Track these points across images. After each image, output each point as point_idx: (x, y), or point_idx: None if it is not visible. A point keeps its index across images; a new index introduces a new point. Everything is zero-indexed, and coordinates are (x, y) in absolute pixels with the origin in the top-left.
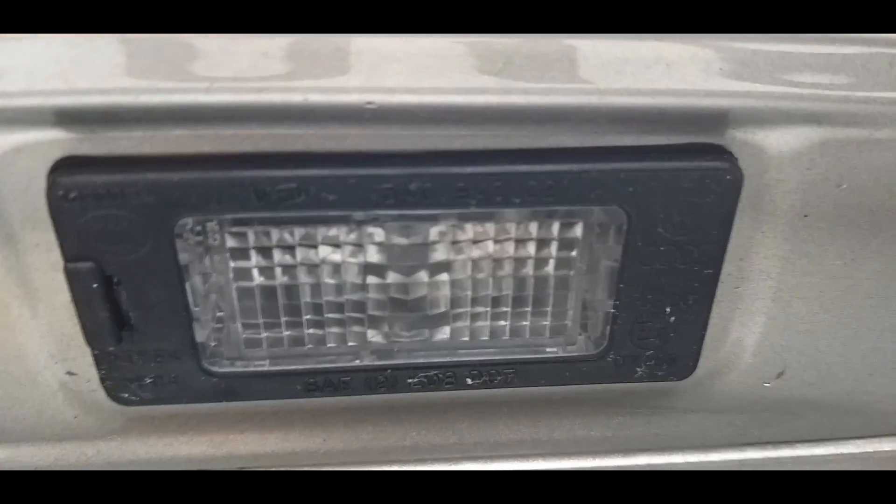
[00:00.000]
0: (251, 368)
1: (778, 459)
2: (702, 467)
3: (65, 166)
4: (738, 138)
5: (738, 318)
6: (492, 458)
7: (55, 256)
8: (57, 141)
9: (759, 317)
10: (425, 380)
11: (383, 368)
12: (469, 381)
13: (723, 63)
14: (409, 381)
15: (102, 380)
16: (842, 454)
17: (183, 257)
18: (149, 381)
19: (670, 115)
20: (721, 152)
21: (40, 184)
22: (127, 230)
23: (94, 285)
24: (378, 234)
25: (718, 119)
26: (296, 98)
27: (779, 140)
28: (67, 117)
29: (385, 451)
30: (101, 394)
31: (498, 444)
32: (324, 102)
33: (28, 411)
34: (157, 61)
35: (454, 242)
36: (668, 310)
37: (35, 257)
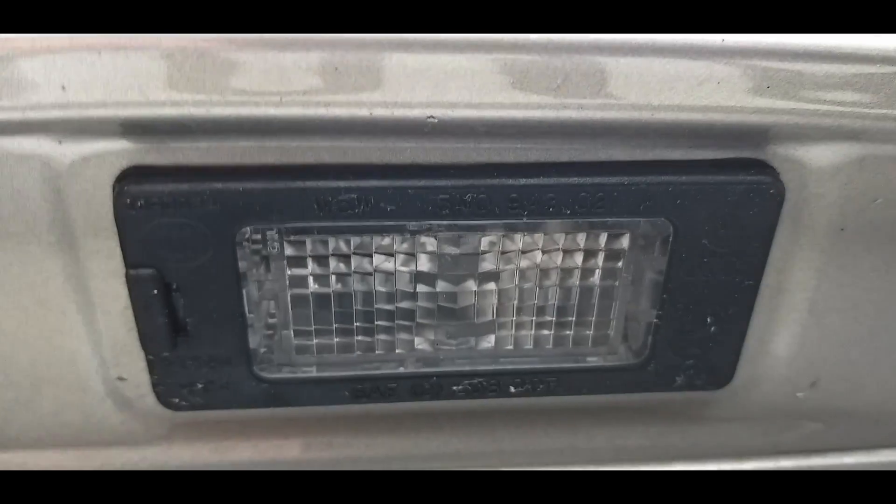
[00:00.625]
0: (300, 375)
1: (810, 468)
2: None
3: (132, 175)
4: (780, 154)
5: (775, 328)
6: (531, 464)
7: (115, 264)
8: (124, 151)
9: (794, 327)
10: (469, 387)
11: (429, 376)
12: (512, 388)
13: (769, 81)
14: (454, 388)
15: (154, 385)
16: (873, 463)
17: (241, 265)
18: (200, 386)
19: (717, 131)
20: (764, 167)
21: (106, 192)
22: (190, 238)
23: (155, 291)
24: (430, 243)
25: (762, 135)
26: (362, 113)
27: (819, 156)
28: (136, 128)
29: (427, 457)
30: (149, 399)
31: (538, 451)
32: (388, 117)
33: (76, 416)
34: (225, 73)
35: (503, 253)
36: (708, 320)
37: (95, 264)
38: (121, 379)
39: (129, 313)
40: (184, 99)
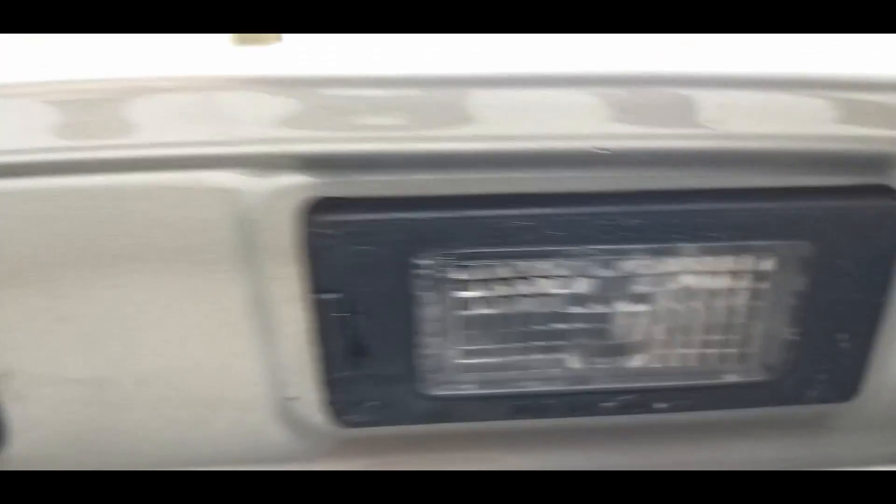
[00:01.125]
0: (464, 392)
1: None
2: None
3: (325, 206)
4: None
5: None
6: None
7: (295, 289)
8: (312, 184)
9: None
10: (619, 404)
11: (582, 393)
12: (657, 405)
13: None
14: (605, 405)
15: (331, 403)
16: None
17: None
18: (372, 404)
19: (850, 159)
20: (891, 192)
21: (290, 222)
22: (374, 264)
23: (339, 315)
24: (588, 267)
25: (887, 162)
26: (539, 146)
27: None
28: (325, 162)
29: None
30: (318, 417)
31: (681, 464)
32: (564, 148)
33: (246, 435)
34: (412, 112)
35: (656, 275)
36: (839, 336)
37: (276, 289)
38: (291, 399)
39: (305, 336)
40: (369, 136)
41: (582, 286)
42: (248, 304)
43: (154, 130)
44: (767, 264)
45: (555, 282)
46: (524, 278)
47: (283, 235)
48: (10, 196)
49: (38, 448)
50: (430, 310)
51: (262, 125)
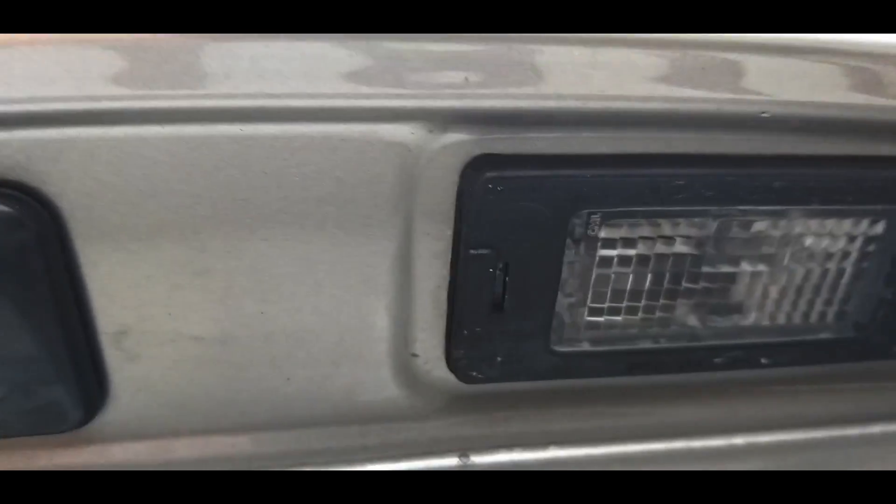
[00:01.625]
0: (587, 348)
1: None
2: None
3: (486, 162)
4: None
5: None
6: (764, 430)
7: (440, 245)
8: (478, 140)
9: None
10: (729, 360)
11: (695, 349)
12: (763, 360)
13: None
14: (715, 360)
15: (455, 360)
16: None
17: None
18: (500, 359)
19: None
20: None
21: (452, 178)
22: (532, 221)
23: (489, 270)
24: (723, 227)
25: None
26: (709, 108)
27: None
28: (492, 118)
29: (685, 425)
30: (434, 374)
31: (769, 418)
32: (733, 111)
33: (366, 393)
34: (575, 71)
35: (782, 236)
36: None
37: (423, 245)
38: (414, 355)
39: (441, 293)
40: (535, 93)
41: (714, 246)
42: (391, 260)
43: (329, 81)
44: (879, 228)
45: (691, 242)
46: (663, 237)
47: (442, 191)
48: (164, 142)
49: (140, 411)
50: (571, 267)
51: (475, 78)
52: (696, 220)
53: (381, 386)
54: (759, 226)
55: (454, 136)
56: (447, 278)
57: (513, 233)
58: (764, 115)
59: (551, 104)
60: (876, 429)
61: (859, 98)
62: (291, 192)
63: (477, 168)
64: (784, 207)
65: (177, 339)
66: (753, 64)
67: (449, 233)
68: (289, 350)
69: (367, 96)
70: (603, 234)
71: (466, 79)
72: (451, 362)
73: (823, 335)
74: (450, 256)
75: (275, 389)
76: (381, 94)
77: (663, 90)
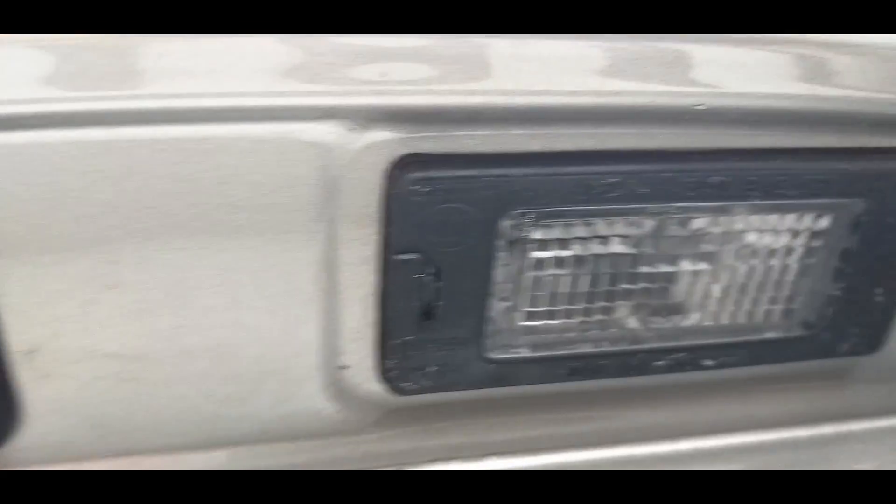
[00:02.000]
0: (525, 354)
1: None
2: (877, 431)
3: (413, 162)
4: None
5: None
6: (711, 433)
7: (368, 251)
8: (404, 139)
9: None
10: (672, 362)
11: (636, 352)
12: (707, 362)
13: None
14: (657, 363)
15: (387, 370)
16: None
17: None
18: (433, 369)
19: None
20: None
21: (376, 180)
22: (460, 223)
23: (417, 276)
24: (661, 225)
25: None
26: (642, 101)
27: None
28: (419, 116)
29: (626, 430)
30: (367, 387)
31: (717, 420)
32: (666, 104)
33: (293, 409)
34: (504, 67)
35: (723, 233)
36: (877, 291)
37: (348, 251)
38: (344, 367)
39: (370, 300)
40: (472, 89)
41: (652, 245)
42: (315, 267)
43: (240, 78)
44: (824, 222)
45: (628, 241)
46: (598, 237)
47: (367, 194)
48: (67, 148)
49: (56, 433)
50: (504, 270)
51: (392, 73)
52: (633, 218)
53: (310, 400)
54: (699, 223)
55: (377, 135)
56: (376, 285)
57: (442, 236)
58: (699, 107)
59: (476, 100)
60: (828, 429)
61: (800, 88)
62: (205, 197)
63: (402, 168)
64: (723, 203)
65: (92, 357)
66: (687, 54)
67: (376, 237)
68: (210, 365)
69: (280, 94)
70: (536, 235)
71: (384, 74)
72: (383, 373)
73: (770, 334)
74: (378, 262)
75: (197, 407)
76: (295, 91)
77: (593, 84)
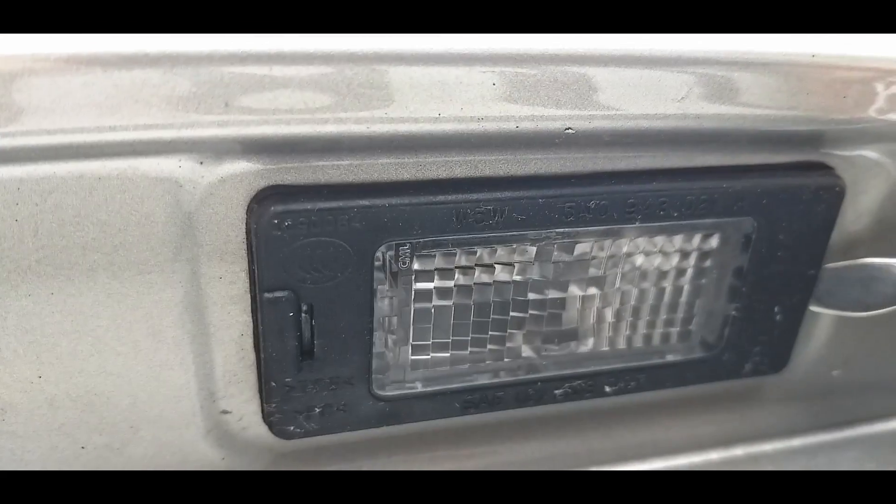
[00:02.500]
0: (415, 390)
1: (848, 439)
2: (789, 451)
3: (273, 194)
4: (836, 154)
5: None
6: (619, 461)
7: (236, 289)
8: (263, 171)
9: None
10: (570, 390)
11: (533, 382)
12: (607, 388)
13: (832, 90)
14: (556, 392)
15: (268, 414)
16: None
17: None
18: (318, 410)
19: (799, 136)
20: (829, 168)
21: (238, 214)
22: (331, 257)
23: (290, 314)
24: (545, 252)
25: (822, 139)
26: (509, 126)
27: (865, 156)
28: (277, 147)
29: (529, 461)
30: (254, 431)
31: (625, 447)
32: (532, 129)
33: (173, 457)
34: (369, 92)
35: (609, 258)
36: (776, 309)
37: (215, 290)
38: (224, 412)
39: (245, 341)
40: (326, 117)
41: (538, 271)
42: (179, 309)
43: (71, 114)
44: (713, 242)
45: (511, 269)
46: (482, 266)
47: (228, 229)
48: None
49: None
50: (383, 304)
51: (235, 105)
52: (514, 245)
53: (192, 447)
54: (582, 247)
55: (233, 167)
56: (250, 325)
57: (312, 271)
58: (569, 131)
59: (333, 129)
60: (739, 451)
61: (673, 108)
62: (50, 240)
63: (262, 202)
64: (605, 227)
65: None
66: (550, 77)
67: (244, 275)
68: (78, 416)
69: (113, 129)
70: (416, 266)
71: (227, 104)
72: (265, 417)
73: (671, 357)
74: (249, 301)
75: (70, 460)
76: (130, 125)
77: (453, 110)
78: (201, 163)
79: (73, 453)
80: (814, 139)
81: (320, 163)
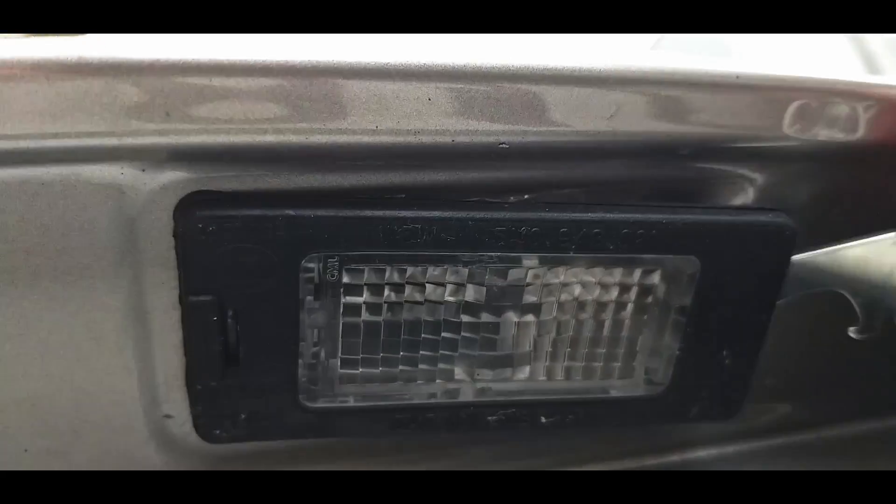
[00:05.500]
0: (343, 404)
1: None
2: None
3: (200, 200)
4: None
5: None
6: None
7: (176, 295)
8: (197, 178)
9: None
10: (504, 418)
11: (466, 406)
12: (543, 419)
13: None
14: (489, 418)
15: (195, 417)
16: None
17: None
18: (244, 416)
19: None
20: (776, 210)
21: (171, 222)
22: (255, 264)
23: (213, 318)
24: (477, 275)
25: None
26: (445, 140)
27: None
28: (210, 154)
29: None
30: (195, 435)
31: (561, 451)
32: (467, 143)
33: (116, 462)
34: (307, 101)
35: (545, 286)
36: (725, 352)
37: (156, 296)
38: (168, 416)
39: (180, 347)
40: (265, 128)
41: (471, 294)
42: (122, 314)
43: (14, 121)
44: (654, 278)
45: (443, 289)
46: (413, 284)
47: (168, 236)
48: None
49: None
50: (313, 315)
51: (176, 115)
52: (445, 266)
53: (134, 453)
54: (516, 273)
55: (174, 175)
56: None
57: (236, 278)
58: (503, 146)
59: (269, 139)
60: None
61: (601, 125)
62: None
63: (188, 207)
64: (538, 254)
65: None
66: (483, 93)
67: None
68: (22, 419)
69: (56, 135)
70: (345, 279)
71: (168, 114)
72: (194, 420)
73: (613, 393)
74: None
75: (11, 464)
76: (73, 132)
77: (390, 123)
78: (143, 170)
79: (15, 457)
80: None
81: (259, 172)
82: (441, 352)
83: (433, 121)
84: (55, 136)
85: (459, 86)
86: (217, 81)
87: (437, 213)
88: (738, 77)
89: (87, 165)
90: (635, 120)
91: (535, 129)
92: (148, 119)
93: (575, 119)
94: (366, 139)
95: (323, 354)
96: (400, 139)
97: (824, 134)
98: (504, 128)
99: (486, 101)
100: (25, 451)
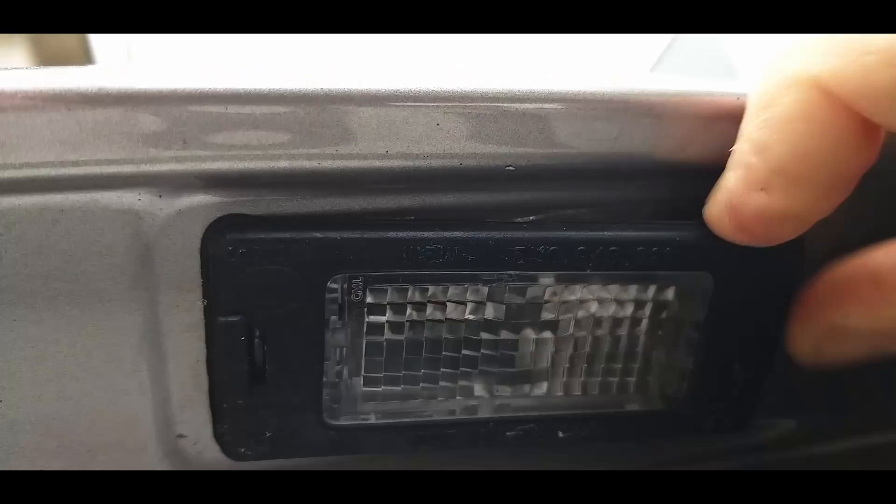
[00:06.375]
0: (365, 422)
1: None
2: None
3: (230, 223)
4: None
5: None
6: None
7: (193, 317)
8: (219, 203)
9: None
10: (522, 433)
11: (485, 422)
12: (560, 433)
13: None
14: (508, 434)
15: (220, 435)
16: None
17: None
18: (268, 434)
19: None
20: None
21: (194, 245)
22: (282, 285)
23: (242, 338)
24: (497, 293)
25: None
26: (453, 164)
27: None
28: (233, 180)
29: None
30: (209, 455)
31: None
32: (474, 166)
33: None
34: (327, 128)
35: (562, 303)
36: (736, 367)
37: (173, 318)
38: (181, 436)
39: (201, 367)
40: (279, 154)
41: (491, 312)
42: (138, 336)
43: (34, 150)
44: (669, 294)
45: (464, 307)
46: (434, 303)
47: (186, 259)
48: None
49: None
50: (336, 335)
51: (193, 142)
52: (466, 285)
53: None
54: (534, 291)
55: (191, 200)
56: (205, 351)
57: (264, 298)
58: (509, 168)
59: (283, 165)
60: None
61: (605, 146)
62: (13, 269)
63: (218, 231)
64: (557, 273)
65: None
66: (490, 117)
67: (200, 303)
68: (37, 440)
69: (76, 163)
70: (368, 299)
71: (185, 141)
72: (217, 438)
73: (629, 408)
74: (204, 328)
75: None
76: (92, 160)
77: (400, 147)
78: (160, 196)
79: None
80: None
81: (274, 196)
82: (461, 369)
83: (442, 145)
84: (75, 163)
85: (467, 111)
86: (232, 109)
87: (458, 234)
88: (737, 98)
89: (105, 192)
90: (640, 141)
91: (541, 151)
92: (166, 147)
93: (580, 141)
94: (376, 163)
95: (346, 373)
96: (409, 163)
97: None
98: (511, 151)
99: (493, 125)
100: (40, 472)
